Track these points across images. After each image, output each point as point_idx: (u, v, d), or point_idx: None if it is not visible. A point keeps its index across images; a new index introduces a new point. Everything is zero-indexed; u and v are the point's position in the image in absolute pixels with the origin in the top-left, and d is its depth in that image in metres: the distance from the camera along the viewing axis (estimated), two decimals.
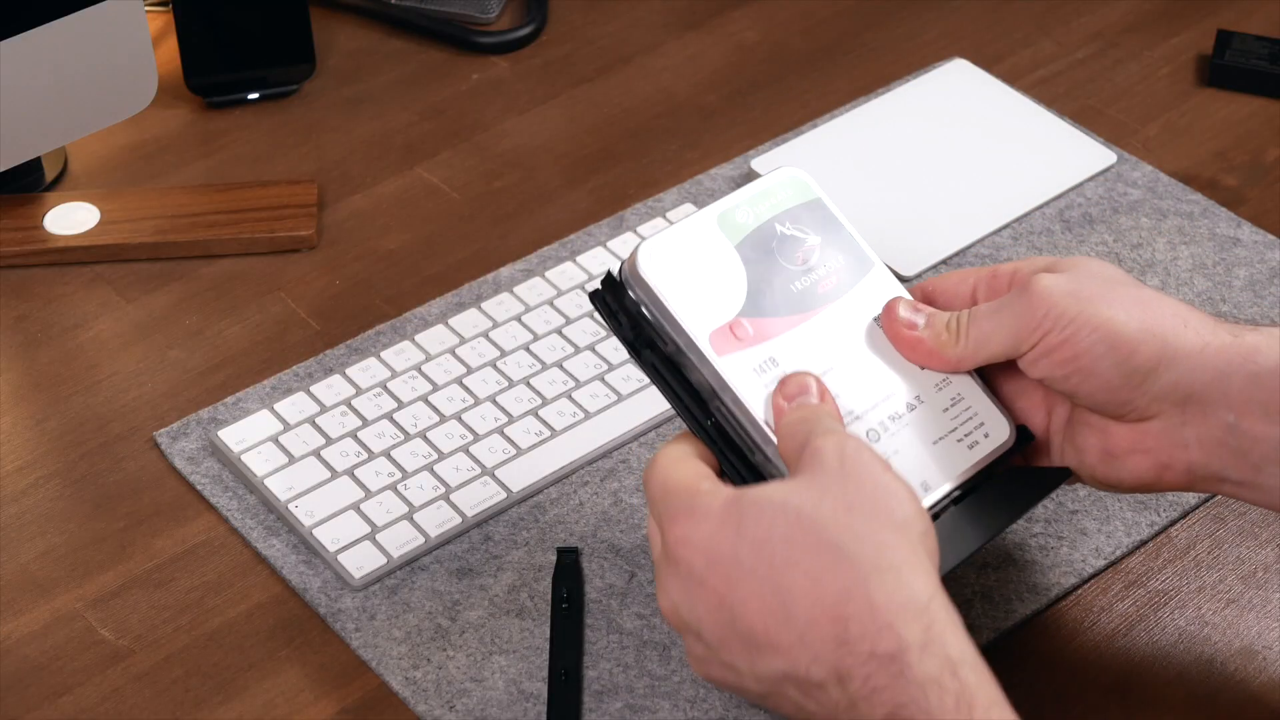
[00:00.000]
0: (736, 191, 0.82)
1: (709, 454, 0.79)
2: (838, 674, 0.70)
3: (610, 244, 1.07)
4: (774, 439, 0.77)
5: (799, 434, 0.76)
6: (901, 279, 1.04)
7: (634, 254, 0.78)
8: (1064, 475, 0.84)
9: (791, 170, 0.83)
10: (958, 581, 0.89)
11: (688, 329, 0.78)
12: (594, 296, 0.80)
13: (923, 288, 0.85)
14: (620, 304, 0.79)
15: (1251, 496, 0.81)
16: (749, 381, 0.78)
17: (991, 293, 0.84)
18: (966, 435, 0.82)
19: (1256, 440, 0.79)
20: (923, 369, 0.82)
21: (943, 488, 0.80)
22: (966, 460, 0.81)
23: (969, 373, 0.83)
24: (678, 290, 0.78)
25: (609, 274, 0.79)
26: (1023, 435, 0.83)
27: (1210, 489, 0.82)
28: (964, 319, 0.82)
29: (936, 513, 0.80)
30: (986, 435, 0.82)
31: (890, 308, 0.83)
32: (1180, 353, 0.79)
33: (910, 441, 0.80)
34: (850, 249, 0.83)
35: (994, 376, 0.85)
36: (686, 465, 0.77)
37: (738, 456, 0.78)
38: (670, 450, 0.78)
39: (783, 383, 0.78)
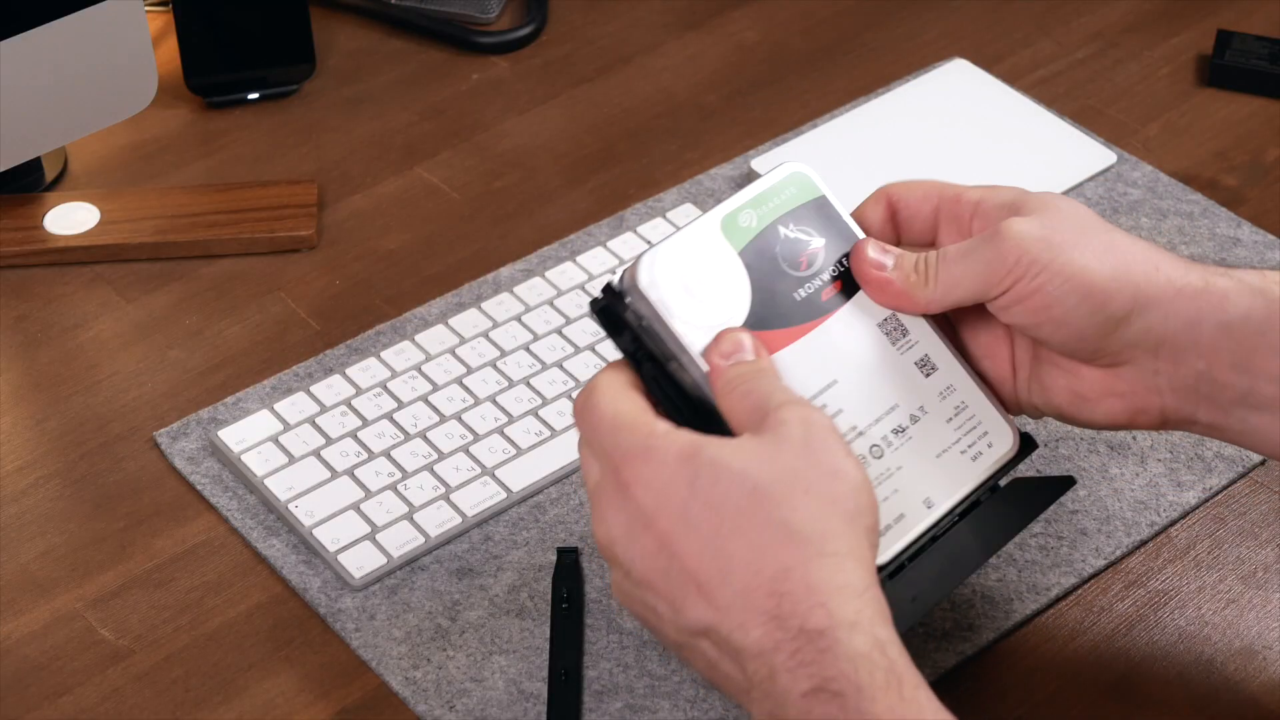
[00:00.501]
0: (740, 192, 0.80)
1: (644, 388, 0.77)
2: (761, 646, 0.70)
3: (610, 244, 1.07)
4: None
5: (749, 392, 0.75)
6: None
7: (634, 265, 0.76)
8: (1068, 484, 0.83)
9: (794, 166, 0.81)
10: None
11: (688, 345, 0.76)
12: (594, 306, 0.78)
13: (887, 191, 0.83)
14: (620, 315, 0.77)
15: (1220, 435, 0.82)
16: None
17: (953, 220, 0.82)
18: (970, 446, 0.81)
19: (1224, 387, 0.79)
20: (927, 378, 0.81)
21: (946, 504, 0.80)
22: (971, 473, 0.81)
23: (973, 379, 0.82)
24: (678, 304, 0.76)
25: (608, 286, 0.77)
26: (1026, 444, 0.83)
27: (1182, 429, 0.82)
28: (932, 260, 0.81)
29: (943, 530, 0.79)
30: (990, 445, 0.81)
31: (859, 248, 0.81)
32: (1153, 299, 0.79)
33: (913, 457, 0.79)
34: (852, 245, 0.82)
35: (958, 315, 0.84)
36: (632, 399, 0.75)
37: None
38: (610, 379, 0.76)
39: (717, 339, 0.76)
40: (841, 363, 0.80)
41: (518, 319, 1.02)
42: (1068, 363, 0.82)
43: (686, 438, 0.74)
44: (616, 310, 0.77)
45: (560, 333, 1.01)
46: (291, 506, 0.92)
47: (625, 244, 1.07)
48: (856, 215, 0.83)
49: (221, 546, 0.92)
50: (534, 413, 0.97)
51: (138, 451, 0.97)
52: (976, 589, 0.89)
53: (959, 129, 1.15)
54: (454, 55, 1.23)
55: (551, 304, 1.03)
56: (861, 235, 0.82)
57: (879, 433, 0.79)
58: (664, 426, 0.74)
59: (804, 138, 1.14)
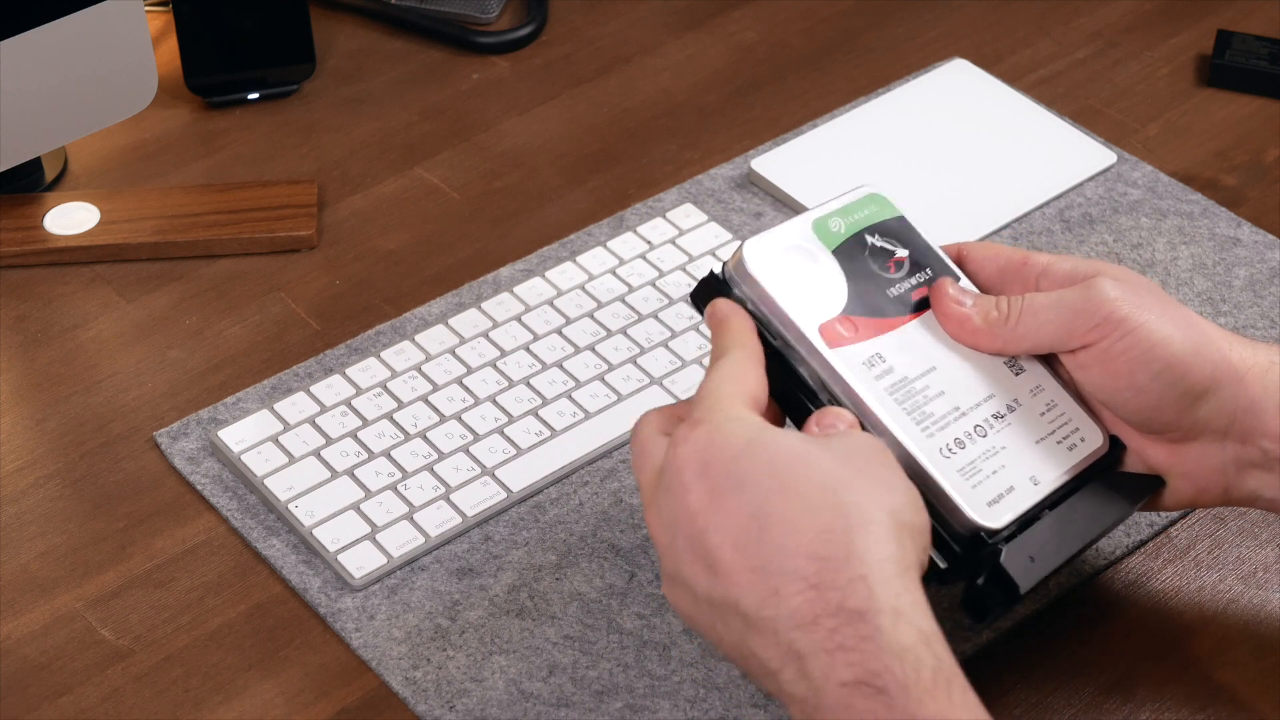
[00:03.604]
0: (823, 204, 0.84)
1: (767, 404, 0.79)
2: (799, 618, 0.69)
3: (610, 244, 1.07)
4: (889, 430, 0.78)
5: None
6: None
7: (738, 253, 0.80)
8: (1158, 483, 0.84)
9: (872, 188, 0.86)
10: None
11: (798, 322, 0.79)
12: (696, 298, 0.81)
13: (958, 246, 0.86)
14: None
15: None
16: (860, 374, 0.79)
17: (1018, 282, 0.84)
18: (1065, 438, 0.82)
19: None
20: (1017, 376, 0.83)
21: (1051, 480, 0.81)
22: (1068, 460, 0.82)
23: (1059, 382, 0.83)
24: (784, 286, 0.80)
25: (710, 274, 0.81)
26: (1116, 444, 0.83)
27: (1245, 505, 0.83)
28: (1016, 302, 0.82)
29: (1034, 515, 0.80)
30: (1083, 440, 0.83)
31: (939, 285, 0.83)
32: (1226, 378, 0.80)
33: (1014, 439, 0.81)
34: (935, 262, 0.85)
35: None
36: (744, 384, 0.76)
37: None
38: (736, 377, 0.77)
39: (819, 414, 0.78)
40: (938, 353, 0.82)
41: (518, 319, 1.02)
42: (1135, 438, 0.83)
43: (754, 419, 0.74)
44: (721, 297, 0.80)
45: (560, 333, 1.01)
46: (291, 506, 0.92)
47: (625, 244, 1.07)
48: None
49: (221, 546, 0.92)
50: (534, 413, 0.97)
51: (138, 451, 0.97)
52: None
53: (959, 129, 1.15)
54: (454, 55, 1.23)
55: (551, 304, 1.03)
56: (939, 249, 0.85)
57: (980, 415, 0.81)
58: (737, 412, 0.75)
59: (804, 138, 1.14)
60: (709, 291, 0.81)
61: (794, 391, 0.80)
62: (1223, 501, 0.83)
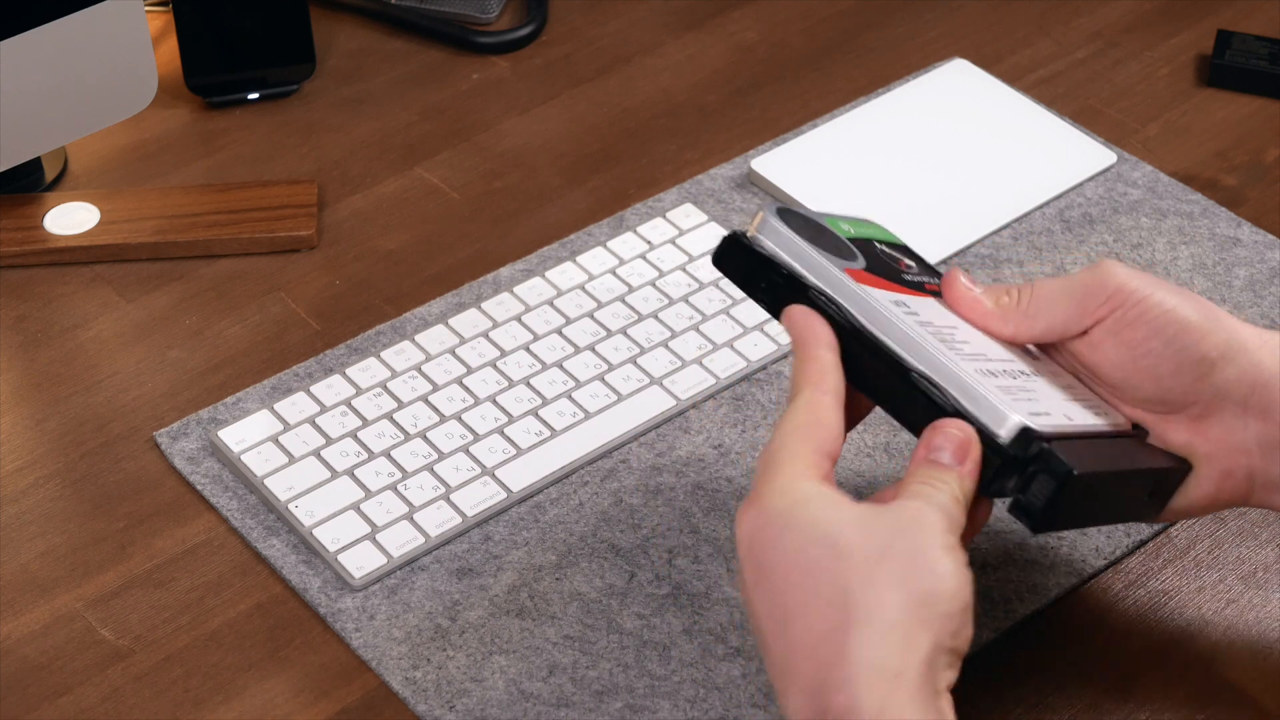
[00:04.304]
0: (829, 211, 0.86)
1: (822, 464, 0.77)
2: (800, 718, 0.70)
3: (610, 244, 1.07)
4: (924, 349, 0.78)
5: (910, 488, 0.74)
6: None
7: (759, 215, 0.81)
8: (1186, 466, 0.82)
9: (873, 220, 0.88)
10: None
11: (827, 264, 0.80)
12: (721, 262, 0.82)
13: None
14: (756, 256, 0.81)
15: None
16: (892, 310, 0.79)
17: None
18: (1092, 408, 0.82)
19: None
20: (1036, 359, 0.83)
21: (1089, 422, 0.80)
22: (1098, 420, 0.81)
23: (1076, 374, 0.83)
24: (809, 241, 0.81)
25: (732, 234, 0.81)
26: (1139, 430, 0.83)
27: (1266, 501, 0.81)
28: (1026, 288, 0.82)
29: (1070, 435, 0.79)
30: (1108, 414, 0.82)
31: (951, 273, 0.84)
32: (1244, 345, 0.79)
33: (1044, 387, 0.80)
34: (938, 275, 0.86)
35: None
36: (803, 444, 0.75)
37: (898, 375, 0.79)
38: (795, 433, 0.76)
39: (937, 427, 0.76)
40: (959, 320, 0.82)
41: (518, 319, 1.02)
42: (1156, 423, 0.82)
43: (803, 489, 0.73)
44: (750, 252, 0.81)
45: (560, 333, 1.01)
46: (291, 506, 0.92)
47: (625, 244, 1.07)
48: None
49: (221, 546, 0.92)
50: (534, 413, 0.97)
51: (138, 451, 0.97)
52: (977, 589, 0.89)
53: (959, 129, 1.15)
54: (454, 55, 1.23)
55: (551, 304, 1.03)
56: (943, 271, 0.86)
57: (1005, 369, 0.80)
58: (784, 483, 0.74)
59: (804, 138, 1.14)
60: (734, 254, 0.82)
61: (874, 372, 0.79)
62: (1245, 491, 0.81)
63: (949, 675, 0.71)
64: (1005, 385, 0.78)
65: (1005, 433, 0.76)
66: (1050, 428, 0.77)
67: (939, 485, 0.74)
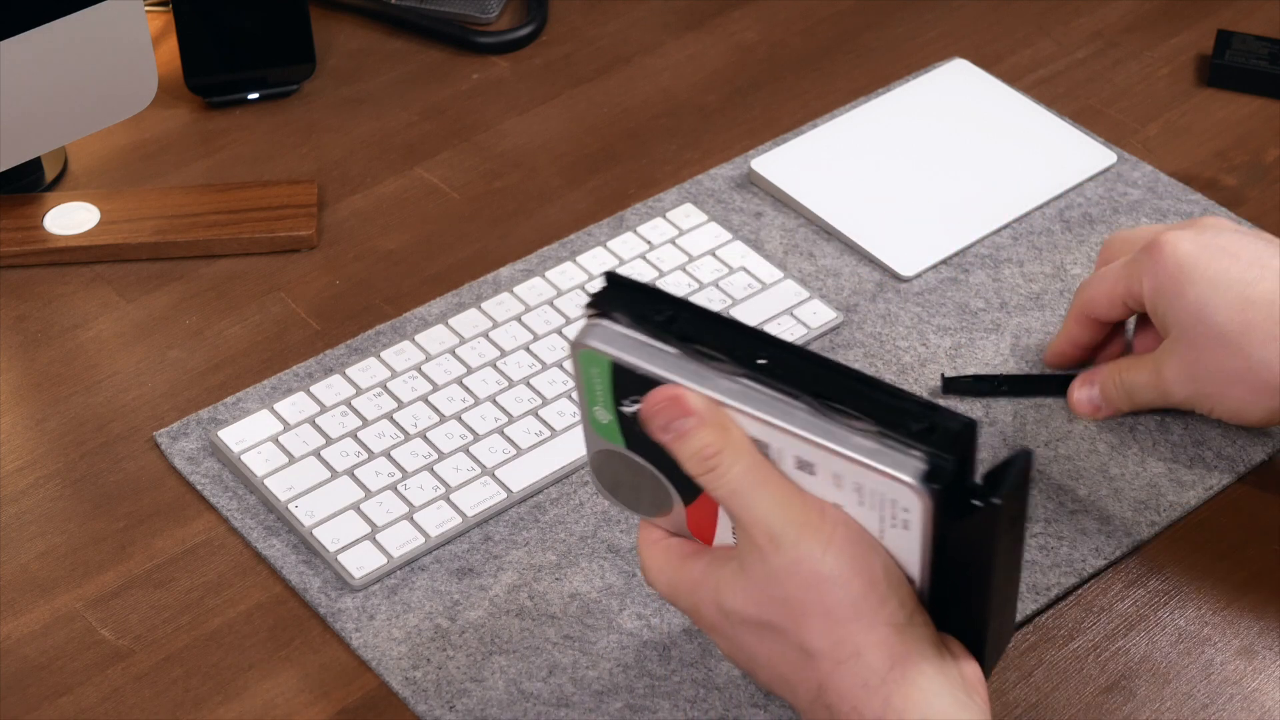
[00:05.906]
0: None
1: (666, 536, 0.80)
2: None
3: (610, 244, 1.07)
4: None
5: (724, 491, 0.73)
6: (900, 279, 1.05)
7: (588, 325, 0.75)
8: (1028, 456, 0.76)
9: (581, 350, 0.76)
10: None
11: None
12: (597, 302, 0.75)
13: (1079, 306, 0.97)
14: (629, 290, 0.75)
15: None
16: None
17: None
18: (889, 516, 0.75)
19: None
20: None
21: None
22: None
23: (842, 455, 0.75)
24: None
25: (610, 275, 0.75)
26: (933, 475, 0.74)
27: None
28: (1118, 379, 0.95)
29: None
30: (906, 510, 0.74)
31: (1073, 392, 0.96)
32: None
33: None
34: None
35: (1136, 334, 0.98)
36: (671, 552, 0.79)
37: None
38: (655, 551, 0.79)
39: (649, 401, 0.73)
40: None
41: (518, 319, 1.02)
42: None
43: (699, 571, 0.77)
44: (620, 290, 0.75)
45: (560, 333, 1.01)
46: (291, 506, 0.92)
47: (625, 244, 1.07)
48: (1064, 334, 0.98)
49: (221, 546, 0.92)
50: (534, 413, 0.97)
51: (138, 451, 0.97)
52: None
53: (959, 129, 1.15)
54: (454, 55, 1.23)
55: (551, 304, 1.03)
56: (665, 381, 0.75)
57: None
58: (689, 560, 0.78)
59: (804, 138, 1.14)
60: (615, 293, 0.74)
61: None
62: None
63: (918, 628, 0.74)
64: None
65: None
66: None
67: (718, 473, 0.73)
